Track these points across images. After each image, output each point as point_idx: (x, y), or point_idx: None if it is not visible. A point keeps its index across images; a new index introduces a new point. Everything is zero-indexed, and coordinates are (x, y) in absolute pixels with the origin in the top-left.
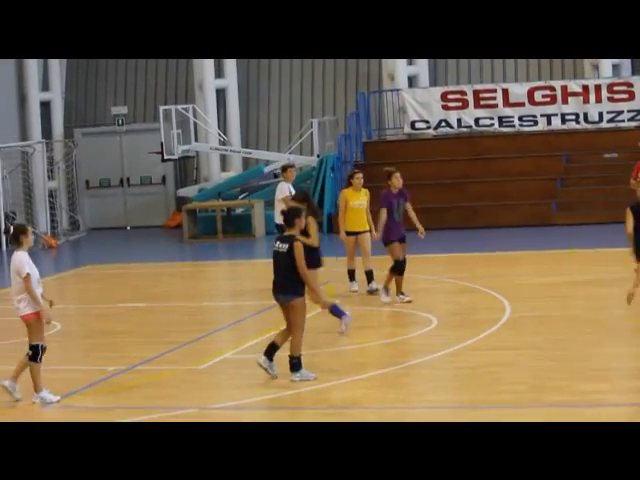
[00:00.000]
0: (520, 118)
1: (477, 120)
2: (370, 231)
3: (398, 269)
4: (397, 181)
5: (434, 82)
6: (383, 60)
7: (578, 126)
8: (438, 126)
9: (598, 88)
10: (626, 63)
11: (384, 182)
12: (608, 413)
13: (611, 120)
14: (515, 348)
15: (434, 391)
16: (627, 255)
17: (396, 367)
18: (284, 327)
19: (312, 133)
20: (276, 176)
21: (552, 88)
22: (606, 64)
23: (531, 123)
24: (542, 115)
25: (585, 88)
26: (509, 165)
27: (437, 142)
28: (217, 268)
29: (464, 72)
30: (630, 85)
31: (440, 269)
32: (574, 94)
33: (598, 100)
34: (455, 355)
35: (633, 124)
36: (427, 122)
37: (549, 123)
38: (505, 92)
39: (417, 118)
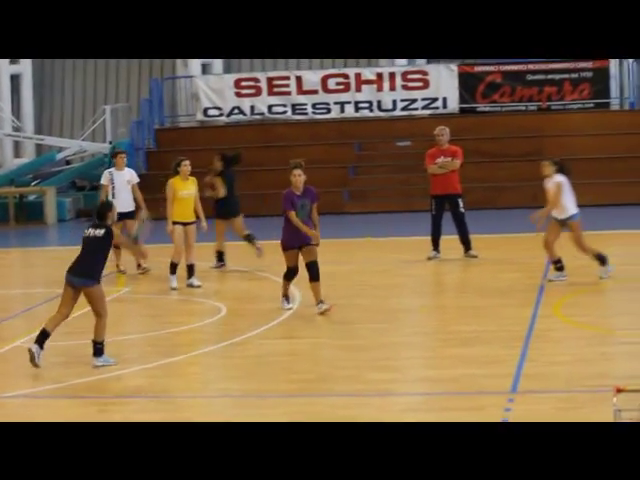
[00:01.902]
0: (313, 106)
1: (270, 107)
2: (200, 220)
3: (288, 274)
4: (295, 179)
5: (228, 69)
6: None
7: (371, 114)
8: (231, 113)
9: (392, 76)
10: None
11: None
12: (396, 402)
13: (405, 108)
14: (305, 337)
15: (221, 380)
16: (421, 243)
17: (184, 356)
18: (54, 313)
19: (105, 120)
20: (68, 163)
21: (346, 76)
22: None
23: (324, 111)
24: (335, 103)
25: (379, 76)
26: (302, 153)
27: (230, 129)
28: (8, 255)
29: (258, 59)
30: (425, 73)
31: (229, 257)
32: (368, 82)
33: (392, 88)
34: (243, 344)
35: (427, 112)
36: (220, 109)
37: (342, 111)
38: (299, 80)
39: (210, 105)
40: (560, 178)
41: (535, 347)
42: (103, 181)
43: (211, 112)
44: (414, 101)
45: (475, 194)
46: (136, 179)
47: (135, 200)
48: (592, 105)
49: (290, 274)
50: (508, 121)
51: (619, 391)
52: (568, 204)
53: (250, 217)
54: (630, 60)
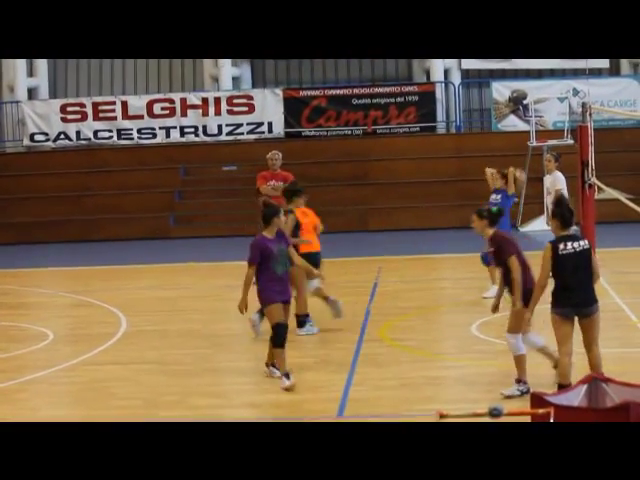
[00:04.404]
0: (139, 131)
1: (96, 132)
2: None
3: (278, 337)
4: (280, 222)
5: (54, 94)
6: (4, 70)
7: (197, 139)
8: (57, 138)
9: (218, 101)
10: (246, 75)
11: (14, 195)
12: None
13: (230, 133)
14: (130, 363)
15: (49, 406)
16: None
17: (11, 382)
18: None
19: None
20: None
21: (171, 101)
22: (226, 76)
23: (150, 136)
24: (161, 128)
25: (205, 101)
26: (127, 178)
27: (56, 154)
28: None
29: (84, 84)
30: (250, 98)
31: (56, 283)
32: (193, 107)
33: (217, 113)
34: (70, 370)
35: (252, 137)
36: (46, 134)
37: (168, 136)
38: (124, 104)
39: (36, 130)
40: None
41: (361, 371)
42: None
43: (38, 137)
44: (239, 126)
45: None
46: None
47: None
48: (418, 129)
49: (280, 335)
50: (333, 145)
51: (442, 416)
52: None
53: (79, 242)
54: (456, 83)
